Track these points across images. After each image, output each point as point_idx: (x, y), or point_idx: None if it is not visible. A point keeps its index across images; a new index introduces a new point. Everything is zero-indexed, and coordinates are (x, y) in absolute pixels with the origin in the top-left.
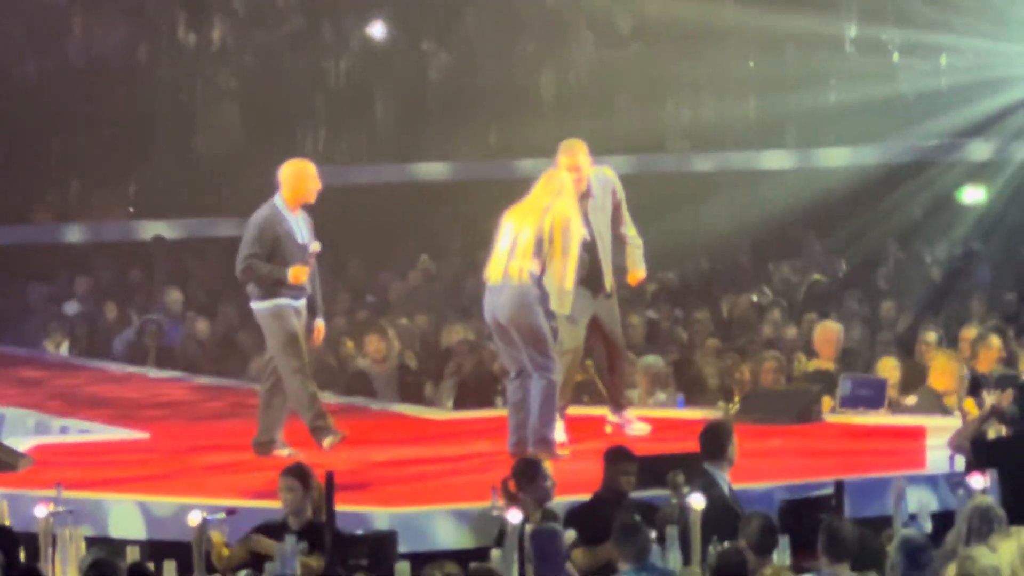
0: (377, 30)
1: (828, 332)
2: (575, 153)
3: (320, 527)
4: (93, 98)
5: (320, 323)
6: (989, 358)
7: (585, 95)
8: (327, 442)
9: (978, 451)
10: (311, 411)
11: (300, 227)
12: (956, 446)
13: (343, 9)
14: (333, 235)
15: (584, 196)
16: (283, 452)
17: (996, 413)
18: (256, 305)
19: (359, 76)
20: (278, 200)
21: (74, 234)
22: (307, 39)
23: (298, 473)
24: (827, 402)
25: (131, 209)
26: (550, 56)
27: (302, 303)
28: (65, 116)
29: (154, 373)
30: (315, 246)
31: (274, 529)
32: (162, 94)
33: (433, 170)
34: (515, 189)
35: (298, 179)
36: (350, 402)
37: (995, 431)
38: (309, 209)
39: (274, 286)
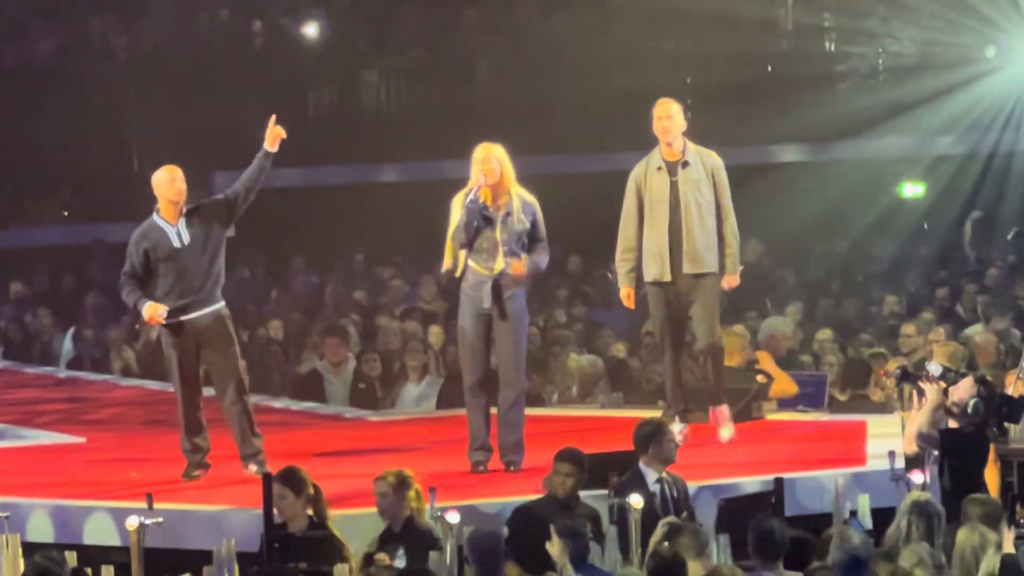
0: (311, 30)
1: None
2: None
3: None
4: (26, 102)
5: None
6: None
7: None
8: (186, 475)
9: (944, 442)
10: (182, 445)
11: (180, 232)
12: (925, 437)
13: (277, 9)
14: (274, 236)
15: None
16: None
17: (944, 406)
18: None
19: (293, 77)
20: (155, 211)
21: (7, 239)
22: (240, 40)
23: (284, 479)
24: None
25: (65, 213)
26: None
27: (201, 314)
28: None
29: (88, 377)
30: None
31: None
32: (95, 97)
33: (367, 171)
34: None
35: (159, 185)
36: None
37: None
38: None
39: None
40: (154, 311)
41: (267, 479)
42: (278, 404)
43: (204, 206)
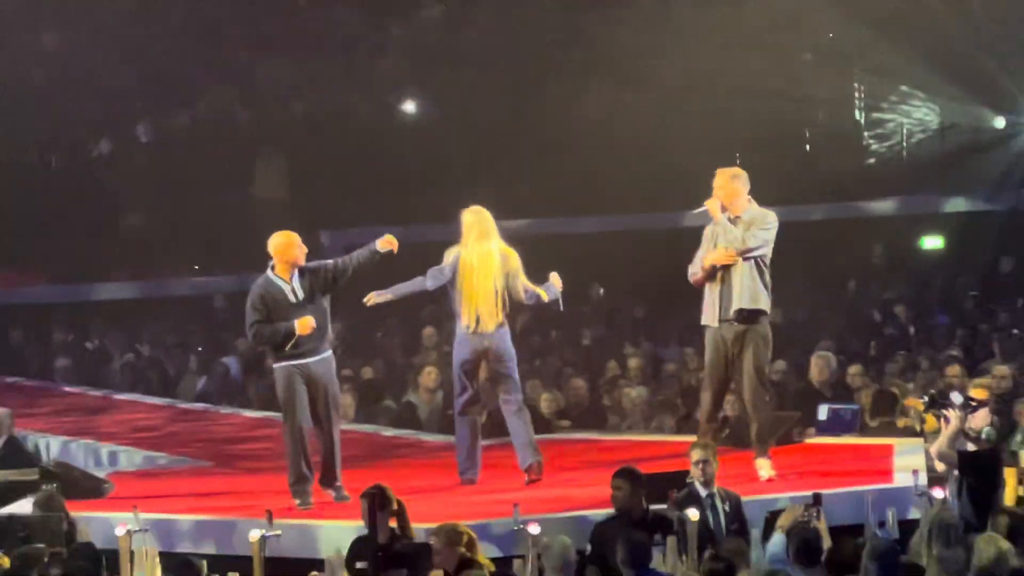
0: (408, 105)
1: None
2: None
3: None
4: (160, 173)
5: None
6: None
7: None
8: (298, 505)
9: (962, 462)
10: (292, 473)
11: (295, 289)
12: (943, 456)
13: (378, 88)
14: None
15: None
16: None
17: (963, 431)
18: (274, 366)
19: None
20: (269, 269)
21: (144, 290)
22: (345, 115)
23: (368, 495)
24: None
25: (196, 267)
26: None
27: (315, 359)
28: (135, 189)
29: (216, 409)
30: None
31: (364, 543)
32: (217, 165)
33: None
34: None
35: (280, 248)
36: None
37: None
38: None
39: (281, 349)
40: (306, 321)
41: (371, 496)
42: (385, 432)
43: (314, 269)
